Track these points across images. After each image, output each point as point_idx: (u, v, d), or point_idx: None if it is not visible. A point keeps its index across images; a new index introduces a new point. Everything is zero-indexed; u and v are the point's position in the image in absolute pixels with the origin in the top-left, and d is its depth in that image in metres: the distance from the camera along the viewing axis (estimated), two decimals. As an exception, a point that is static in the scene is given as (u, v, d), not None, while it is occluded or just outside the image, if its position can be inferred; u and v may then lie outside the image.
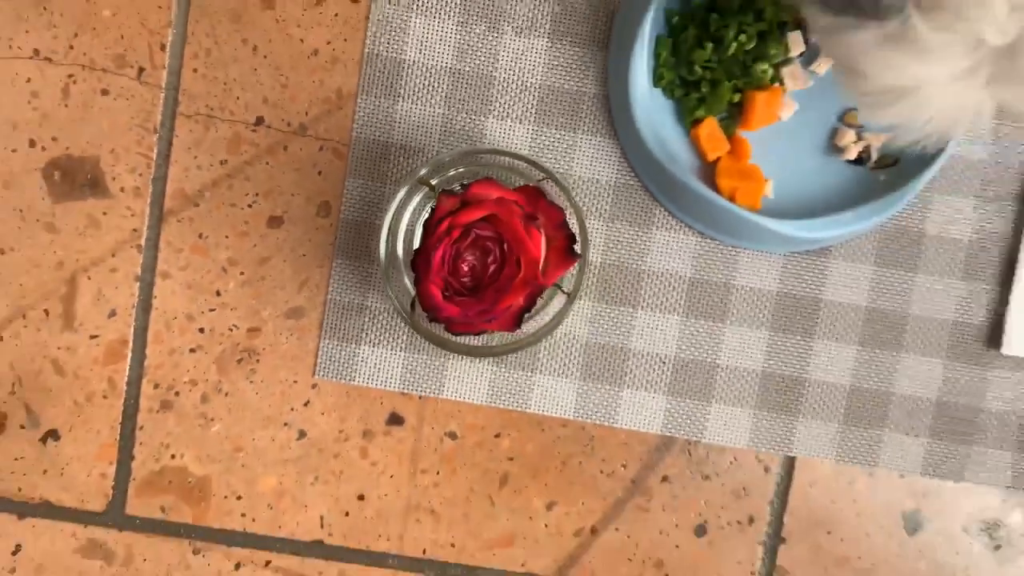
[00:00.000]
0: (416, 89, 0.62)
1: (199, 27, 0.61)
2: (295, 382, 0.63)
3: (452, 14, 0.62)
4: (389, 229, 0.55)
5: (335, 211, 0.62)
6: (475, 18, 0.62)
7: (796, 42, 0.60)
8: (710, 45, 0.58)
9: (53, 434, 0.63)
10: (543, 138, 0.62)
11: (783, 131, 0.62)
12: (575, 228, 0.56)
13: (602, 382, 0.63)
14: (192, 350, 0.63)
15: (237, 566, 0.63)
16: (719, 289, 0.63)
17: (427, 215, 0.54)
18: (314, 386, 0.63)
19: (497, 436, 0.63)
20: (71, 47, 0.62)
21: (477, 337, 0.56)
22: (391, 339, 0.63)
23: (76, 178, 0.62)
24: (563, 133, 0.62)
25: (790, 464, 0.64)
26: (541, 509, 0.64)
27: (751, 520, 0.64)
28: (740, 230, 0.60)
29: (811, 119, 0.62)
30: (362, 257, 0.62)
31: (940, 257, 0.63)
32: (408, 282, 0.57)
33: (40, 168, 0.62)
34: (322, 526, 0.63)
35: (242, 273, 0.63)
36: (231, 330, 0.63)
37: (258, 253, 0.63)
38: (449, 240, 0.52)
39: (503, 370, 0.63)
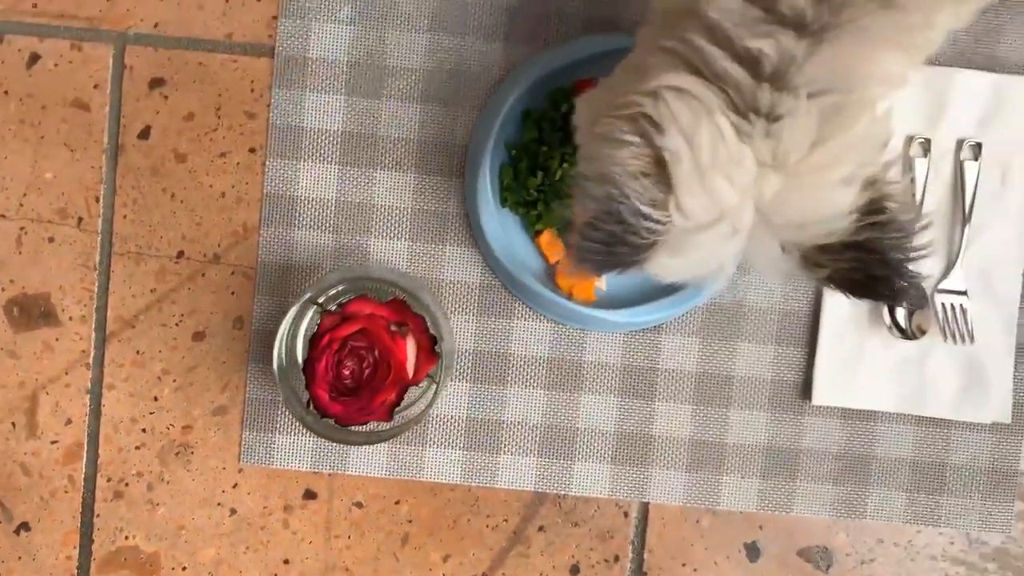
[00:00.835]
0: (309, 219, 0.74)
1: (126, 181, 0.74)
2: (224, 468, 0.75)
3: (334, 157, 0.74)
4: (283, 343, 0.68)
5: (248, 324, 0.75)
6: (353, 159, 0.74)
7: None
8: (540, 173, 0.71)
9: (25, 526, 0.75)
10: (417, 251, 0.75)
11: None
12: (438, 329, 0.68)
13: (483, 450, 0.75)
14: (137, 447, 0.75)
15: (186, 627, 0.75)
16: (573, 365, 0.75)
17: (314, 329, 0.67)
18: (240, 471, 0.75)
19: (397, 503, 0.75)
20: (21, 204, 0.74)
21: (364, 426, 0.68)
22: (301, 428, 0.75)
23: (32, 312, 0.75)
24: (433, 246, 0.75)
25: (645, 508, 0.76)
26: (438, 562, 0.75)
27: (616, 558, 0.76)
28: (581, 319, 0.73)
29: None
30: (273, 361, 0.75)
31: (757, 326, 0.76)
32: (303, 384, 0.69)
33: (1, 305, 0.74)
34: (255, 588, 0.75)
35: (174, 381, 0.75)
36: (168, 428, 0.75)
37: (187, 363, 0.75)
38: (330, 351, 0.65)
39: (398, 447, 0.75)
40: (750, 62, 0.49)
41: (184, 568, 0.75)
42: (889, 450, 0.76)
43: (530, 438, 0.76)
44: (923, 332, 0.74)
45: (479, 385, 0.75)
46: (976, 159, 0.75)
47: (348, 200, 0.75)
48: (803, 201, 0.51)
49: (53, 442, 0.75)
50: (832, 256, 0.52)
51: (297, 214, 0.75)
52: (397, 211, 0.75)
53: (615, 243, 0.51)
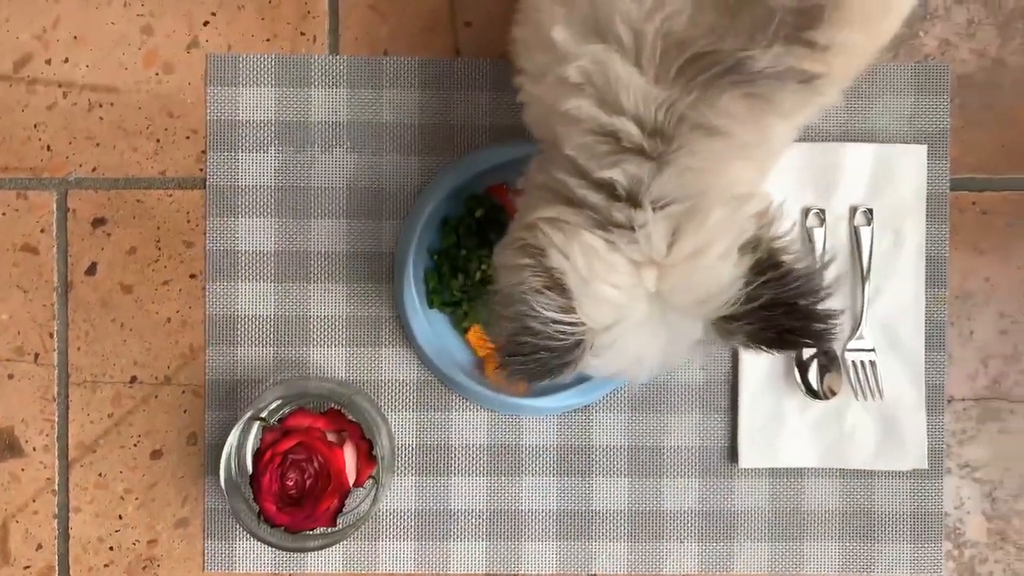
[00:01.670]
0: (250, 336, 0.79)
1: (77, 315, 0.79)
2: (190, 578, 0.79)
3: (269, 276, 0.79)
4: (231, 459, 0.72)
5: (201, 439, 0.79)
6: (288, 276, 0.79)
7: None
8: (461, 275, 0.76)
9: (5, 650, 0.79)
10: (355, 356, 0.79)
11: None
12: (373, 434, 0.72)
13: (433, 539, 0.79)
14: (106, 565, 0.79)
15: None
16: (512, 450, 0.80)
17: (258, 443, 0.71)
18: (205, 579, 0.79)
19: (356, 595, 0.79)
20: (-19, 345, 0.79)
21: (314, 531, 0.72)
22: (260, 533, 0.79)
23: (-3, 446, 0.79)
24: (370, 349, 0.79)
25: (593, 580, 0.80)
26: (400, 648, 0.79)
27: (569, 630, 0.80)
28: (513, 407, 0.77)
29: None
30: (221, 478, 0.79)
31: (680, 397, 0.80)
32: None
33: (-32, 442, 0.79)
34: None
35: (137, 498, 0.79)
36: (135, 544, 0.79)
37: (147, 481, 0.79)
38: (273, 466, 0.69)
39: (352, 543, 0.79)
40: (607, 187, 0.55)
41: (159, 677, 0.78)
42: (818, 504, 0.80)
43: (477, 523, 0.80)
44: (834, 393, 0.78)
45: (424, 477, 0.80)
46: (869, 223, 0.79)
47: (286, 315, 0.80)
48: (687, 284, 0.57)
49: (26, 567, 0.79)
50: (741, 322, 0.57)
51: (239, 332, 0.79)
52: (333, 320, 0.80)
53: (536, 352, 0.56)
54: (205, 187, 0.79)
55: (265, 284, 0.79)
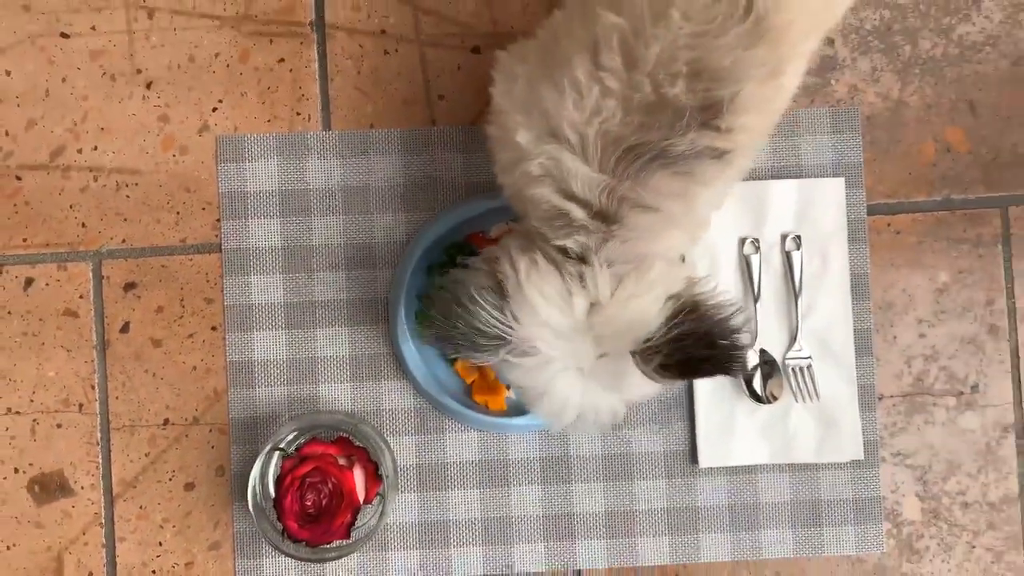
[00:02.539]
0: (265, 379, 0.91)
1: (114, 369, 0.90)
2: (224, 594, 0.90)
3: (280, 324, 0.91)
4: (256, 486, 0.83)
5: (228, 471, 0.90)
6: (297, 323, 0.91)
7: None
8: (446, 314, 0.87)
9: (65, 667, 0.89)
10: (359, 390, 0.91)
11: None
12: (378, 457, 0.83)
13: (435, 547, 0.90)
14: (150, 587, 0.90)
15: None
16: (500, 464, 0.91)
17: (279, 470, 0.82)
18: (238, 594, 0.90)
19: (371, 600, 0.90)
20: (31, 400, 0.90)
21: (331, 544, 0.83)
22: (283, 550, 0.90)
23: (50, 487, 0.90)
24: (372, 383, 0.91)
25: (579, 574, 0.90)
26: (412, 645, 0.90)
27: (560, 620, 0.90)
28: (498, 426, 0.88)
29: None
30: (249, 503, 0.90)
31: (644, 410, 0.91)
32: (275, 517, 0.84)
33: (24, 486, 0.90)
34: None
35: (174, 526, 0.90)
36: (174, 567, 0.90)
37: (183, 510, 0.90)
38: (293, 489, 0.80)
39: (366, 554, 0.90)
40: (563, 250, 0.68)
41: None
42: (771, 496, 0.91)
43: (474, 531, 0.91)
44: (776, 398, 0.90)
45: (424, 493, 0.91)
46: (799, 248, 0.91)
47: (296, 357, 0.91)
48: (619, 318, 0.68)
49: (80, 593, 0.90)
50: (659, 352, 0.68)
51: (256, 375, 0.91)
52: (337, 360, 0.91)
53: (462, 325, 0.68)
54: (221, 251, 0.91)
55: (277, 332, 0.91)
